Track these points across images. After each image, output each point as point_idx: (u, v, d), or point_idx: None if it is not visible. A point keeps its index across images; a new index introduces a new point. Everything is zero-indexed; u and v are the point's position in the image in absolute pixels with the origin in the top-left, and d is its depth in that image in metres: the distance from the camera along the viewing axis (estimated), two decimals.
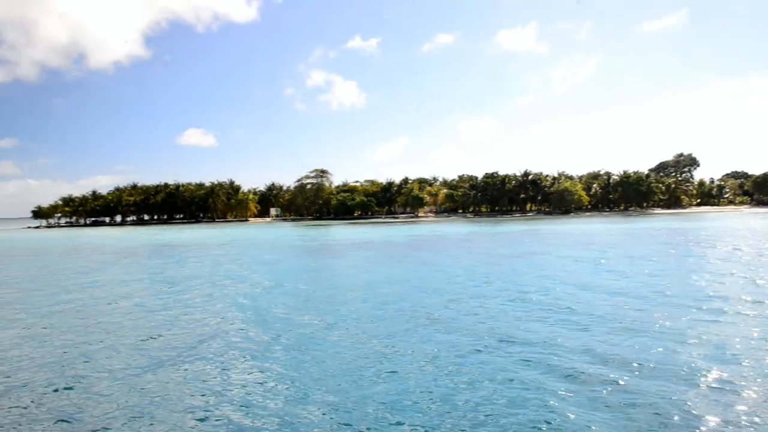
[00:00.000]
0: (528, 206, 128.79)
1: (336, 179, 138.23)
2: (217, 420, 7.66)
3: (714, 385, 8.30)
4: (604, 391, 8.04)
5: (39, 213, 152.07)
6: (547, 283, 18.64)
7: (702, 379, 8.55)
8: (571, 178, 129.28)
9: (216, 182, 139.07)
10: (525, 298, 15.70)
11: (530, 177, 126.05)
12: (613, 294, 15.96)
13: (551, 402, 7.73)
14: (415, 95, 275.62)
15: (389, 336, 11.77)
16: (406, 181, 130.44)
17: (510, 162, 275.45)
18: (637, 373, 8.80)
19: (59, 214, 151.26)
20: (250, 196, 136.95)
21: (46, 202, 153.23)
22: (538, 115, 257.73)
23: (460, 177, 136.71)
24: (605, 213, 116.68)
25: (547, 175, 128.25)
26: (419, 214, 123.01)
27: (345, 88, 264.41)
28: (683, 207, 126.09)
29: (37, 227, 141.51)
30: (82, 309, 16.77)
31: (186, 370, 9.99)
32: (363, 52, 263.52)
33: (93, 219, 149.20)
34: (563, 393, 8.01)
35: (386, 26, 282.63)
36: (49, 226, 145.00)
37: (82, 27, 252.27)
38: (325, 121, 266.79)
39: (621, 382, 8.39)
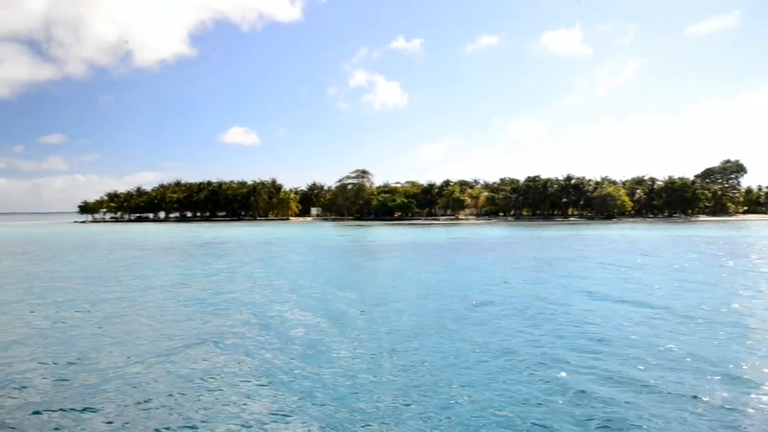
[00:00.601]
0: (570, 211, 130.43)
1: (377, 180, 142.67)
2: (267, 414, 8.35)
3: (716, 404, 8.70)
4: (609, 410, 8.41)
5: (85, 208, 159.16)
6: (581, 293, 19.20)
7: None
8: (614, 182, 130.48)
9: (258, 181, 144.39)
10: (561, 310, 16.05)
11: (573, 181, 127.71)
12: (647, 307, 16.25)
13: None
14: (457, 96, 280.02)
15: (422, 335, 12.87)
16: (447, 182, 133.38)
17: (552, 165, 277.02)
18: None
19: (105, 210, 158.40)
20: (292, 195, 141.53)
21: (92, 198, 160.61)
22: (581, 118, 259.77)
23: (502, 180, 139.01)
24: (649, 219, 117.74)
25: (589, 180, 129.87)
26: (459, 217, 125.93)
27: (388, 89, 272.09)
28: (729, 214, 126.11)
29: (83, 222, 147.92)
30: (144, 301, 18.91)
31: (229, 356, 11.32)
32: (406, 53, 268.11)
33: (137, 215, 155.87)
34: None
35: (429, 27, 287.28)
36: (95, 221, 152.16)
37: (130, 26, 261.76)
38: (368, 122, 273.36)
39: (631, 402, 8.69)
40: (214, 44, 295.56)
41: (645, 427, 7.79)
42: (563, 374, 9.73)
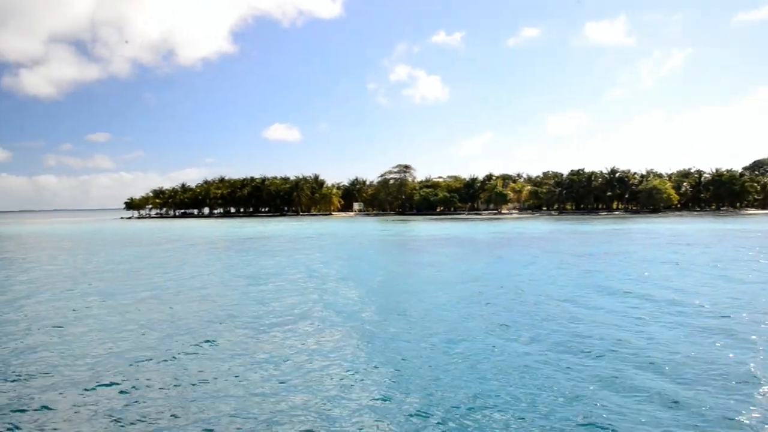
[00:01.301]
0: (614, 204, 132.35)
1: (419, 174, 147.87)
2: (300, 408, 8.61)
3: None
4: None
5: (131, 204, 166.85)
6: (629, 287, 19.49)
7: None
8: (660, 175, 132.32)
9: (301, 176, 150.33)
10: (607, 301, 16.73)
11: (617, 174, 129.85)
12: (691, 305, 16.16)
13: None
14: (499, 90, 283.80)
15: (466, 333, 13.20)
16: (489, 177, 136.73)
17: (596, 158, 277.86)
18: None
19: (150, 206, 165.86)
20: (334, 190, 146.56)
21: (137, 194, 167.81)
22: (626, 111, 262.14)
23: (545, 174, 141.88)
24: (696, 212, 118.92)
25: (635, 173, 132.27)
26: (502, 211, 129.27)
27: (428, 83, 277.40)
28: None
29: (129, 218, 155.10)
30: (204, 292, 20.57)
31: (272, 349, 11.93)
32: (447, 47, 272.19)
33: (182, 211, 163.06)
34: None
35: (471, 20, 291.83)
36: (141, 217, 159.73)
37: (172, 25, 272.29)
38: (408, 116, 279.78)
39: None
40: (255, 41, 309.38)
41: None
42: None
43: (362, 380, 9.71)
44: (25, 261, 34.70)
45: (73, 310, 17.09)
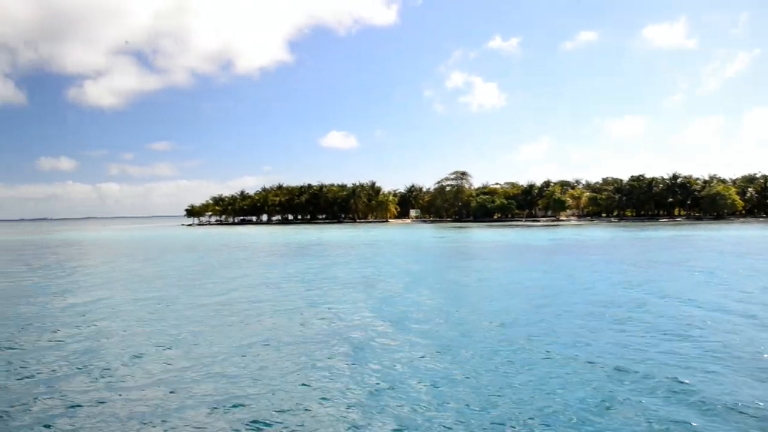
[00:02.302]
0: (676, 211, 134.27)
1: (475, 181, 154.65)
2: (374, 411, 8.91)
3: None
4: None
5: (191, 211, 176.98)
6: (690, 301, 18.89)
7: None
8: (723, 181, 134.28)
9: (357, 183, 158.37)
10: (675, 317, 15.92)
11: (679, 180, 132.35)
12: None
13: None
14: (556, 95, 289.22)
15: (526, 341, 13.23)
16: (547, 183, 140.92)
17: (657, 164, 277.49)
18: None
19: (210, 213, 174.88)
20: (390, 197, 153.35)
21: (197, 201, 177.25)
22: (687, 115, 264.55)
23: (604, 180, 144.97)
24: (762, 219, 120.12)
25: (697, 178, 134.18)
26: (561, 218, 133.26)
27: (485, 90, 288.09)
28: None
29: (190, 225, 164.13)
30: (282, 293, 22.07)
31: (331, 360, 12.05)
32: (503, 52, 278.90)
33: (241, 218, 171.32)
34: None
35: (526, 25, 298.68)
36: (201, 224, 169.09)
37: (231, 35, 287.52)
38: (465, 123, 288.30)
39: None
40: (311, 50, 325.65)
41: None
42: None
43: (418, 388, 9.94)
44: (114, 267, 36.56)
45: (151, 313, 18.44)
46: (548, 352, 12.25)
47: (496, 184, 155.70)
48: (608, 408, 8.79)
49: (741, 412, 8.53)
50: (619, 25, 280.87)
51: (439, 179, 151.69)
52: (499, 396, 9.48)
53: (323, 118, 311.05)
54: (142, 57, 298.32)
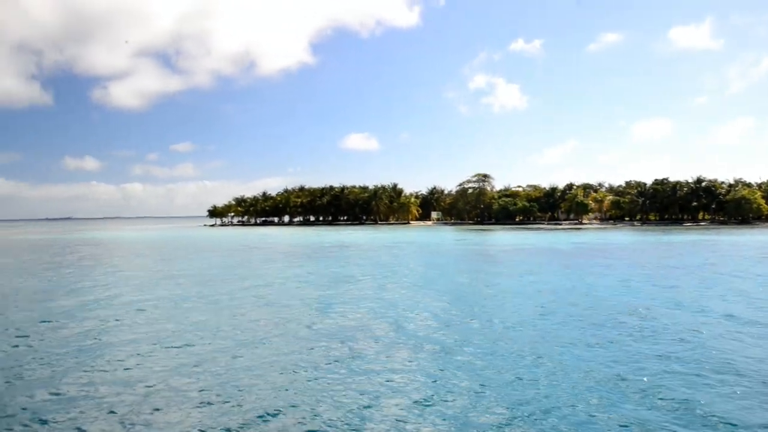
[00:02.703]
0: (700, 215, 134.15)
1: (497, 183, 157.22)
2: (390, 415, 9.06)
3: None
4: None
5: (214, 212, 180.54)
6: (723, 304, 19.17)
7: None
8: (749, 185, 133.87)
9: (379, 185, 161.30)
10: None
11: (703, 184, 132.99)
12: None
13: None
14: (579, 97, 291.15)
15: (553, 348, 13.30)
16: (570, 186, 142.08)
17: (682, 167, 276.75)
18: None
19: (232, 213, 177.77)
20: (412, 199, 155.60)
21: (220, 202, 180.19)
22: (713, 117, 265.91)
23: (627, 183, 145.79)
24: None
25: (722, 182, 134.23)
26: (583, 221, 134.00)
27: (508, 91, 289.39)
28: None
29: (212, 225, 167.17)
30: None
31: (352, 360, 12.35)
32: (526, 54, 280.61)
33: (263, 219, 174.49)
34: None
35: (550, 27, 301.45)
36: (223, 225, 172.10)
37: (253, 37, 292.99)
38: (487, 125, 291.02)
39: None
40: (333, 52, 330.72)
41: None
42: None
43: (438, 395, 9.96)
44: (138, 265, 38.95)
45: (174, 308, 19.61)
46: (568, 355, 12.40)
47: (518, 186, 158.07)
48: (619, 422, 8.65)
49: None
50: (643, 26, 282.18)
51: (461, 181, 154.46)
52: (504, 404, 9.47)
53: (345, 120, 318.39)
54: (165, 59, 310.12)
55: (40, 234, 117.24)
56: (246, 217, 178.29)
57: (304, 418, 8.98)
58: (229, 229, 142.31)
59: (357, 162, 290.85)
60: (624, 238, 71.49)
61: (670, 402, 9.46)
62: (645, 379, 10.68)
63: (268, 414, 9.16)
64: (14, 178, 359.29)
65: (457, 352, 12.91)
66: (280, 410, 9.32)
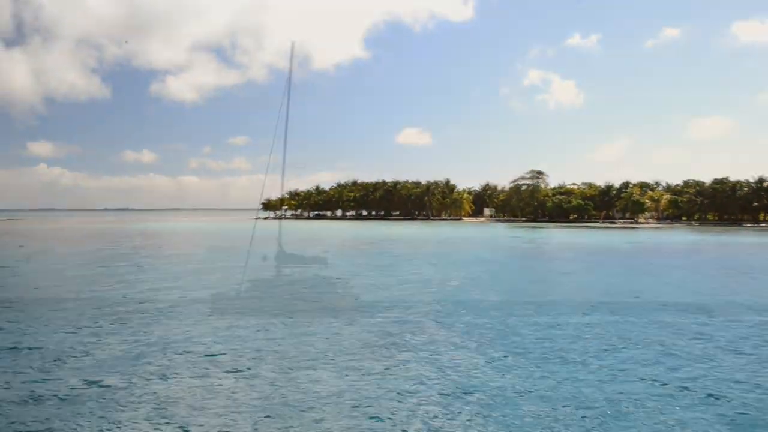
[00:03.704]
0: (761, 216, 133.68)
1: (552, 180, 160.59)
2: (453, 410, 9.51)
3: None
4: None
5: (268, 205, 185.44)
6: None
7: None
8: None
9: (432, 181, 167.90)
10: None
11: (765, 184, 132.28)
12: None
13: None
14: (637, 94, 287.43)
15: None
16: (626, 184, 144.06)
17: (743, 166, 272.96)
18: None
19: (285, 207, 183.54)
20: (465, 195, 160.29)
21: (273, 195, 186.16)
22: None
23: (685, 182, 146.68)
24: None
25: None
26: (639, 220, 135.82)
27: (563, 87, 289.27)
28: None
29: (266, 218, 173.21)
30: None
31: (402, 353, 13.04)
32: (582, 50, 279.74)
33: (316, 212, 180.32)
34: None
35: (607, 22, 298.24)
36: (276, 218, 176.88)
37: (308, 32, 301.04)
38: (541, 121, 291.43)
39: None
40: (387, 46, 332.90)
41: None
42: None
43: (482, 398, 10.09)
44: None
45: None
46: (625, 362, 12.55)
47: (573, 184, 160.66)
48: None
49: None
50: (704, 21, 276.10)
51: (515, 178, 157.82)
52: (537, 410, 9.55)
53: (398, 115, 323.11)
54: (222, 53, 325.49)
55: (103, 224, 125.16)
56: (299, 210, 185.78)
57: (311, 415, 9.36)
58: (284, 222, 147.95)
59: (410, 157, 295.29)
60: (682, 238, 71.83)
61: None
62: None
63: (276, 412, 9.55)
64: (75, 170, 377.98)
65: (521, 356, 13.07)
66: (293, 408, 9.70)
